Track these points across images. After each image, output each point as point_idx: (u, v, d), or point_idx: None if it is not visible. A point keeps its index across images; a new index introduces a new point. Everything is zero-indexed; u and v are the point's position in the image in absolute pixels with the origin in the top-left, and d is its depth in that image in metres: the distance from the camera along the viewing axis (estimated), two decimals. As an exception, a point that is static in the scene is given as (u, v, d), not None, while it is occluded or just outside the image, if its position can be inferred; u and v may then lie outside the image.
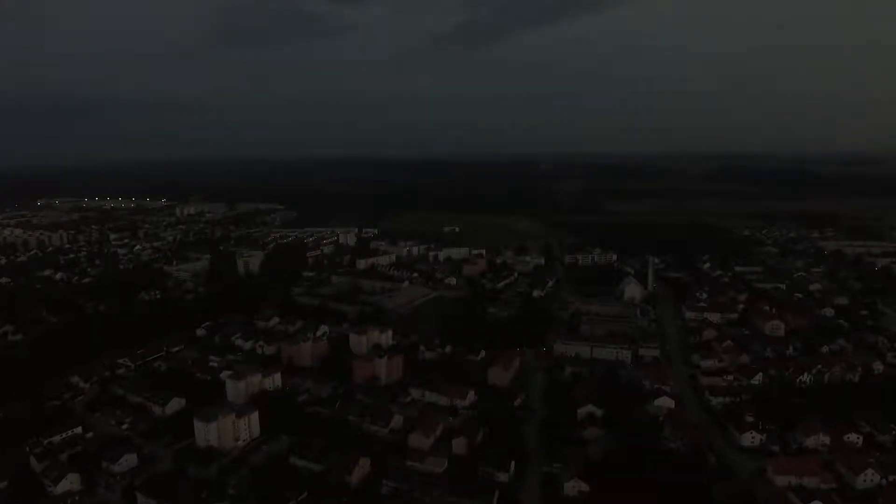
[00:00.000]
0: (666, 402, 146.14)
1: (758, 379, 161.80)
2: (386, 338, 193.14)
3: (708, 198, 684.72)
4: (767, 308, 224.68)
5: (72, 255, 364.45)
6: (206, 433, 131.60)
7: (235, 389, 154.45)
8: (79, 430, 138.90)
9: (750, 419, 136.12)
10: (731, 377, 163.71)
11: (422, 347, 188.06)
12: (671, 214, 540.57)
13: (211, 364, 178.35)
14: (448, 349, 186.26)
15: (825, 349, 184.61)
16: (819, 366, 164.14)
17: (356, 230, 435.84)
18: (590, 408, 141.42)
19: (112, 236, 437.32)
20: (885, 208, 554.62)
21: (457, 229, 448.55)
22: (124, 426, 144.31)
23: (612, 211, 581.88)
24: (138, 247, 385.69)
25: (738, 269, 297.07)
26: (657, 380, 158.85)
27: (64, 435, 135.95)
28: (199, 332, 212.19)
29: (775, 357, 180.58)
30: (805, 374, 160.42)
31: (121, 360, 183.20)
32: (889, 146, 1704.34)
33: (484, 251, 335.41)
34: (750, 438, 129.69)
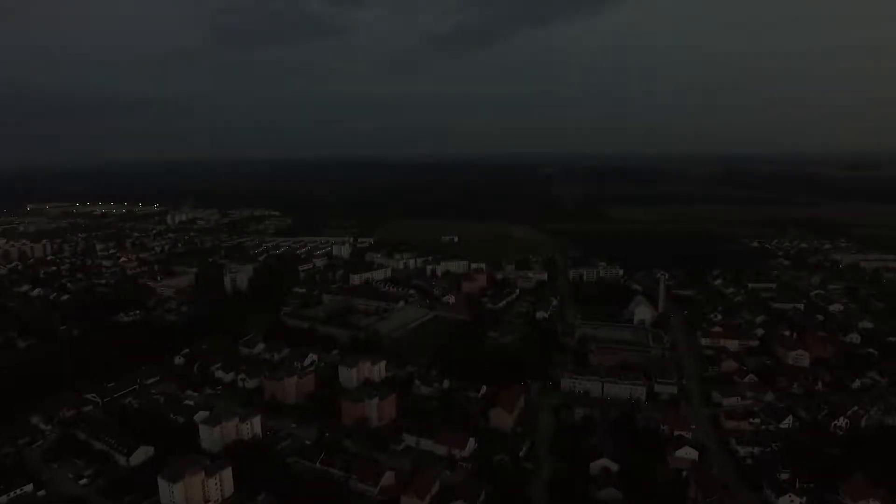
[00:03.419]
0: (689, 454, 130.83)
1: (787, 422, 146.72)
2: (378, 370, 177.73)
3: (712, 203, 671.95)
4: (788, 333, 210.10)
5: (53, 268, 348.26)
6: (172, 494, 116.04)
7: (210, 436, 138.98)
8: (29, 487, 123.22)
9: (785, 476, 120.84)
10: (757, 420, 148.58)
11: (417, 382, 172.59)
12: (676, 222, 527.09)
13: (186, 403, 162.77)
14: (446, 384, 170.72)
15: (856, 383, 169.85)
16: (855, 407, 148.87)
17: (351, 240, 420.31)
18: (604, 462, 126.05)
19: (98, 246, 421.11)
20: (892, 214, 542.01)
21: (455, 239, 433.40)
22: (83, 481, 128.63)
23: (615, 218, 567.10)
24: (123, 259, 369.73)
25: (751, 285, 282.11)
26: (677, 424, 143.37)
27: (11, 494, 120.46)
28: (178, 360, 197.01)
29: (803, 393, 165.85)
30: (840, 418, 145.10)
31: (89, 395, 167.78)
32: (890, 147, 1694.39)
33: (484, 265, 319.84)
34: (788, 502, 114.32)
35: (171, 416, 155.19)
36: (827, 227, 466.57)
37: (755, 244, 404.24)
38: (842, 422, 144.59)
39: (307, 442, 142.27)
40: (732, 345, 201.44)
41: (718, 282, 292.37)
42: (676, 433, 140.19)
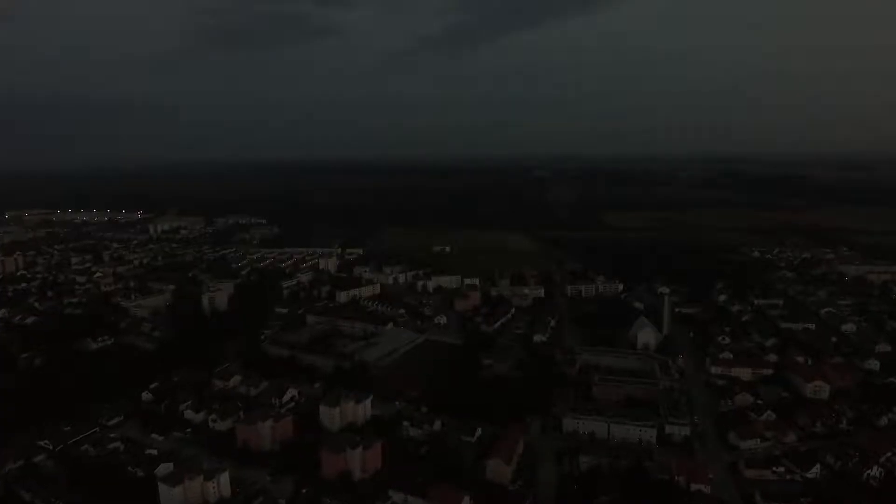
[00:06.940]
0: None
1: (815, 471, 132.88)
2: (364, 410, 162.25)
3: (710, 207, 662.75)
4: (802, 359, 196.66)
5: (24, 285, 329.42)
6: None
7: (170, 497, 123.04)
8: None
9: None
10: (782, 468, 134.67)
11: (406, 423, 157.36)
12: (674, 229, 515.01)
13: (148, 451, 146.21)
14: (437, 425, 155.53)
15: (883, 420, 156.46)
16: (889, 452, 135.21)
17: (338, 251, 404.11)
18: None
19: (74, 259, 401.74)
20: (892, 218, 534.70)
21: (447, 249, 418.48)
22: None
23: (611, 225, 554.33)
24: (99, 273, 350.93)
25: (757, 302, 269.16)
26: (694, 475, 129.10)
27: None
28: (146, 395, 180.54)
29: (826, 433, 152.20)
30: (874, 466, 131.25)
31: (42, 443, 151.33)
32: (890, 148, 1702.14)
33: (477, 281, 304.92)
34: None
35: (130, 468, 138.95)
36: (829, 234, 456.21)
37: (756, 254, 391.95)
38: (876, 471, 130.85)
39: (281, 501, 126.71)
40: (745, 374, 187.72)
41: (723, 297, 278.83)
42: (694, 487, 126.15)
